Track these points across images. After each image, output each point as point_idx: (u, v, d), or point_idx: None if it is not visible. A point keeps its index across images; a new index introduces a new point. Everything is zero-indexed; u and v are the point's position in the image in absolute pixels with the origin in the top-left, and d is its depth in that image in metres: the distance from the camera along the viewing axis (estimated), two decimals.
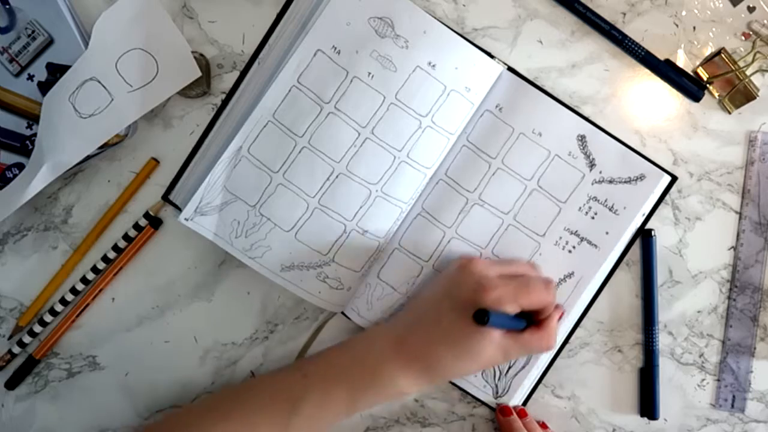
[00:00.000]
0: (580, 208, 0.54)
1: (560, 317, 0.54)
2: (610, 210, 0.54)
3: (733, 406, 0.57)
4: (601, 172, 0.53)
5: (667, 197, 0.55)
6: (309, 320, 0.56)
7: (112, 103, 0.51)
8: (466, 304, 0.48)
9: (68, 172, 0.52)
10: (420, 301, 0.53)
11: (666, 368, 0.56)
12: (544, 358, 0.55)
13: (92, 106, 0.51)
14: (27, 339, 0.55)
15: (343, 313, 0.55)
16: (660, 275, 0.56)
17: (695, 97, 0.55)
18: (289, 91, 0.51)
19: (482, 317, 0.44)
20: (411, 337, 0.50)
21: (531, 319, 0.51)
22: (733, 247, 0.56)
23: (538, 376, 0.56)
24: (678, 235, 0.56)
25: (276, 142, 0.51)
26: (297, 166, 0.51)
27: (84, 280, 0.55)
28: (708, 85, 0.55)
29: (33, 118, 0.52)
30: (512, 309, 0.48)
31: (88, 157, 0.51)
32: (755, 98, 0.55)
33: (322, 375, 0.50)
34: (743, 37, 0.55)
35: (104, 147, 0.52)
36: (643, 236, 0.55)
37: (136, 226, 0.54)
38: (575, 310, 0.54)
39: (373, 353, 0.50)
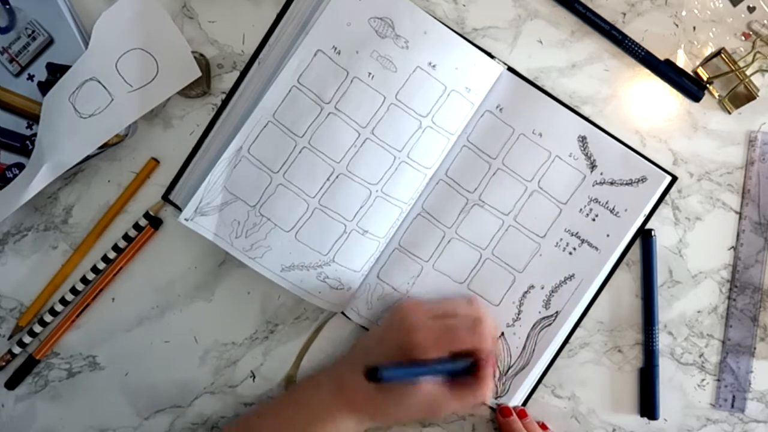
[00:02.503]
0: (580, 209, 0.54)
1: (494, 368, 0.51)
2: (611, 212, 0.54)
3: (733, 406, 0.57)
4: (602, 174, 0.53)
5: (667, 197, 0.55)
6: (309, 320, 0.56)
7: (112, 103, 0.51)
8: (394, 350, 0.48)
9: (68, 172, 0.52)
10: (360, 346, 0.53)
11: (666, 368, 0.56)
12: (544, 358, 0.55)
13: (92, 106, 0.51)
14: (27, 339, 0.55)
15: (343, 313, 0.55)
16: (660, 275, 0.56)
17: (695, 97, 0.55)
18: (290, 91, 0.51)
19: (373, 374, 0.42)
20: (351, 384, 0.50)
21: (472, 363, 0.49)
22: (733, 247, 0.56)
23: (538, 376, 0.56)
24: (678, 235, 0.56)
25: (276, 142, 0.51)
26: (297, 167, 0.51)
27: (84, 280, 0.55)
28: (708, 85, 0.55)
29: (33, 118, 0.52)
30: (436, 353, 0.47)
31: (88, 157, 0.51)
32: (755, 98, 0.55)
33: (272, 429, 0.51)
34: (743, 37, 0.55)
35: (104, 147, 0.52)
36: (643, 236, 0.55)
37: (136, 226, 0.54)
38: (575, 312, 0.54)
39: (317, 401, 0.51)
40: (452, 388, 0.49)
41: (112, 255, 0.55)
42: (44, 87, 0.51)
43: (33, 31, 0.51)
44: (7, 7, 0.51)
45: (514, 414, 0.54)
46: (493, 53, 0.53)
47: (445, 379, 0.48)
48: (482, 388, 0.48)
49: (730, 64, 0.54)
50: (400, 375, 0.45)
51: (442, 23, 0.51)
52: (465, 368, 0.48)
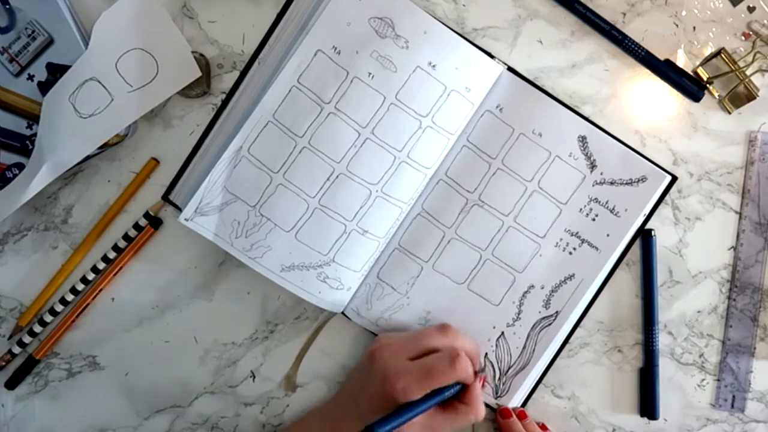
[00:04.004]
0: (580, 209, 0.54)
1: (482, 383, 0.53)
2: (611, 212, 0.54)
3: (733, 406, 0.57)
4: (602, 174, 0.53)
5: (667, 197, 0.55)
6: (309, 320, 0.56)
7: (112, 103, 0.51)
8: (378, 399, 0.48)
9: (68, 172, 0.52)
10: (347, 386, 0.54)
11: (666, 368, 0.56)
12: (544, 358, 0.55)
13: (92, 106, 0.51)
14: (27, 339, 0.55)
15: (343, 313, 0.55)
16: (660, 275, 0.56)
17: (695, 97, 0.55)
18: (290, 91, 0.51)
19: None
20: (343, 424, 0.50)
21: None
22: (733, 247, 0.56)
23: (538, 376, 0.56)
24: (678, 235, 0.56)
25: (276, 142, 0.51)
26: (297, 167, 0.51)
27: (84, 280, 0.55)
28: (708, 85, 0.55)
29: (33, 118, 0.52)
30: (421, 394, 0.47)
31: (88, 157, 0.51)
32: (755, 98, 0.55)
33: None
34: (743, 37, 0.55)
35: (104, 147, 0.52)
36: (643, 236, 0.55)
37: (136, 226, 0.54)
38: (575, 312, 0.54)
39: None
40: (444, 413, 0.50)
41: (112, 255, 0.55)
42: (44, 87, 0.51)
43: (33, 31, 0.51)
44: (7, 7, 0.51)
45: (514, 415, 0.54)
46: (493, 53, 0.53)
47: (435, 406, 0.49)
48: (473, 411, 0.50)
49: (730, 64, 0.54)
50: (394, 427, 0.46)
51: (442, 23, 0.51)
52: (453, 394, 0.50)
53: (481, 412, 0.50)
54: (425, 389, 0.48)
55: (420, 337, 0.51)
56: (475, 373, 0.50)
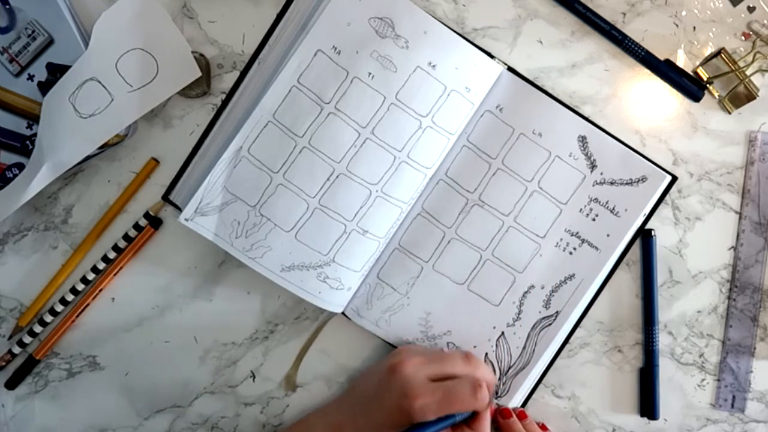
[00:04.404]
0: (581, 209, 0.54)
1: (492, 414, 0.53)
2: (611, 212, 0.54)
3: (733, 406, 0.57)
4: (602, 174, 0.53)
5: (667, 197, 0.55)
6: (309, 320, 0.56)
7: (112, 103, 0.51)
8: (394, 412, 0.48)
9: (68, 172, 0.52)
10: (357, 391, 0.53)
11: (666, 368, 0.56)
12: (545, 358, 0.55)
13: (92, 106, 0.51)
14: (27, 339, 0.55)
15: (343, 313, 0.55)
16: (660, 275, 0.56)
17: (695, 97, 0.55)
18: (290, 91, 0.51)
19: None
20: (348, 426, 0.50)
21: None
22: (733, 247, 0.56)
23: (538, 376, 0.56)
24: (678, 235, 0.56)
25: (276, 142, 0.51)
26: (297, 167, 0.51)
27: (84, 280, 0.55)
28: (708, 85, 0.55)
29: (33, 118, 0.52)
30: (436, 416, 0.48)
31: (88, 157, 0.51)
32: (755, 98, 0.55)
33: None
34: (743, 37, 0.55)
35: (104, 147, 0.52)
36: (643, 236, 0.55)
37: (136, 226, 0.54)
38: (575, 312, 0.54)
39: None
40: None
41: (112, 255, 0.55)
42: (44, 87, 0.51)
43: (33, 31, 0.51)
44: (7, 7, 0.51)
45: (514, 415, 0.54)
46: (493, 53, 0.53)
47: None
48: None
49: (730, 64, 0.54)
50: None
51: (442, 23, 0.51)
52: (464, 419, 0.50)
53: None
54: (443, 413, 0.48)
55: (444, 361, 0.51)
56: None
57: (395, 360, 0.51)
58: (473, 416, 0.50)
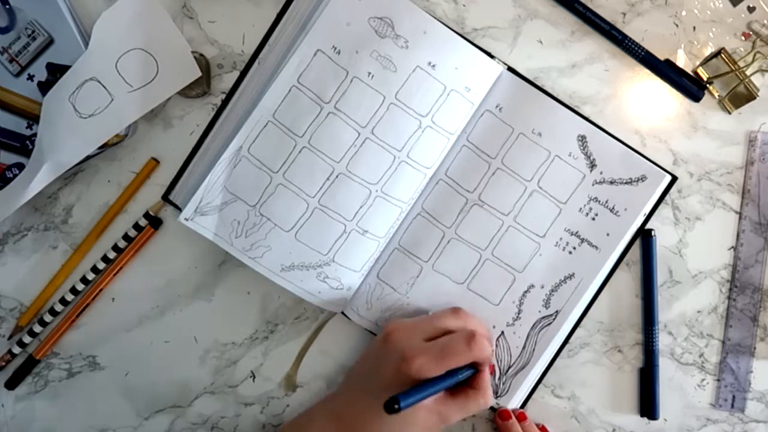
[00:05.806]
0: (580, 209, 0.54)
1: (491, 371, 0.53)
2: (611, 211, 0.54)
3: (733, 406, 0.57)
4: (601, 173, 0.53)
5: (667, 197, 0.55)
6: (309, 320, 0.56)
7: (112, 103, 0.51)
8: (393, 379, 0.48)
9: (68, 172, 0.52)
10: (354, 375, 0.53)
11: (666, 368, 0.56)
12: (544, 358, 0.55)
13: (92, 106, 0.51)
14: (27, 339, 0.55)
15: (343, 313, 0.55)
16: (660, 275, 0.56)
17: (695, 97, 0.55)
18: (289, 91, 0.51)
19: (392, 407, 0.42)
20: (348, 411, 0.50)
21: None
22: (733, 247, 0.56)
23: (538, 376, 0.56)
24: (678, 235, 0.56)
25: (276, 142, 0.51)
26: (297, 166, 0.51)
27: (84, 280, 0.55)
28: (708, 85, 0.55)
29: (33, 118, 0.52)
30: (436, 374, 0.47)
31: (88, 157, 0.51)
32: (755, 98, 0.55)
33: None
34: (743, 37, 0.55)
35: (104, 147, 0.52)
36: (643, 236, 0.55)
37: (136, 226, 0.54)
38: (575, 311, 0.54)
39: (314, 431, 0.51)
40: (454, 399, 0.50)
41: (112, 255, 0.55)
42: (44, 87, 0.51)
43: (33, 31, 0.51)
44: (7, 7, 0.51)
45: (514, 417, 0.54)
46: (493, 53, 0.53)
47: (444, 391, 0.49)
48: (483, 396, 0.50)
49: (730, 64, 0.54)
50: (416, 400, 0.46)
51: (442, 23, 0.51)
52: (466, 378, 0.50)
53: (490, 396, 0.50)
54: (442, 368, 0.47)
55: (433, 320, 0.51)
56: None
57: (388, 329, 0.51)
58: (474, 375, 0.50)
